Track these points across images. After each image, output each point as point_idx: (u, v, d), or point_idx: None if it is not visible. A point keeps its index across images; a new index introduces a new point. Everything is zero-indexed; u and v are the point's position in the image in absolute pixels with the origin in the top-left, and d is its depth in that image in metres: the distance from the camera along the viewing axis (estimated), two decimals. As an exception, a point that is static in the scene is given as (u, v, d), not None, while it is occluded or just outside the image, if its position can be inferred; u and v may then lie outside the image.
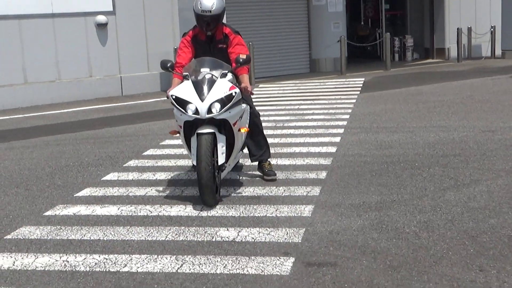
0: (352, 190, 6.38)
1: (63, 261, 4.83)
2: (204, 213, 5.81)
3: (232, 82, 6.21)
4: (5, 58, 14.69)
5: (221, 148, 5.97)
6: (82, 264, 4.75)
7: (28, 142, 10.04)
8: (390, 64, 19.31)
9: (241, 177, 7.04)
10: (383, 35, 22.93)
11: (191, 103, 5.91)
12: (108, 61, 16.04)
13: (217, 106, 5.90)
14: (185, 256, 4.82)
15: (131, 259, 4.81)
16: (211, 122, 5.93)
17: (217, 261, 4.69)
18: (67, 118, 12.68)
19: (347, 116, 10.84)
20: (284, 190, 6.45)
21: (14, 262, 4.84)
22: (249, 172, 7.19)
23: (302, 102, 13.00)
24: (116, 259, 4.82)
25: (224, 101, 5.94)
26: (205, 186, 5.76)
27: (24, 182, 7.39)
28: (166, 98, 5.98)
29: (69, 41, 15.45)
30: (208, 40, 6.57)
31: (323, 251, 4.81)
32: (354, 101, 12.80)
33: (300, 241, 5.03)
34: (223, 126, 6.02)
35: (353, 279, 4.27)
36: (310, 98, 13.60)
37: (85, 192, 6.80)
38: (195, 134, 5.91)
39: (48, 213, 6.10)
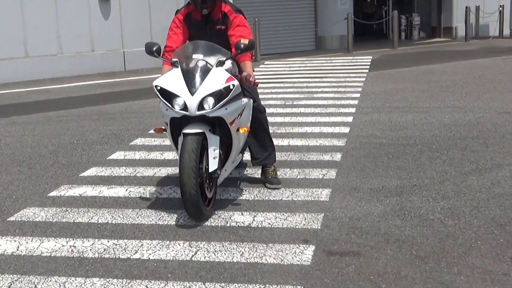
0: (369, 173, 6.11)
1: (70, 246, 4.58)
2: (216, 196, 5.49)
3: (231, 71, 5.14)
4: (6, 30, 14.35)
5: (213, 152, 4.93)
6: (90, 249, 4.50)
7: (29, 117, 9.75)
8: (398, 42, 18.96)
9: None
10: (389, 13, 22.59)
11: (178, 96, 4.87)
12: (111, 36, 15.71)
13: (210, 101, 4.86)
14: (199, 242, 4.57)
15: (141, 245, 4.56)
16: (203, 119, 4.94)
17: (233, 249, 4.43)
18: (69, 93, 12.38)
19: (358, 95, 10.55)
20: (299, 173, 6.19)
21: (18, 247, 4.58)
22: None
23: (310, 79, 12.69)
24: (126, 244, 4.57)
25: (219, 95, 4.89)
26: (189, 199, 4.73)
27: (27, 160, 7.12)
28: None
29: (71, 14, 15.11)
30: (203, 20, 5.53)
31: (344, 238, 4.56)
32: (363, 79, 12.50)
33: (319, 227, 4.77)
34: (218, 124, 5.03)
35: (378, 270, 4.02)
36: (318, 76, 13.30)
37: (91, 171, 6.54)
38: (182, 134, 4.91)
39: (53, 193, 5.84)
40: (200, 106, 4.85)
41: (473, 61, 14.88)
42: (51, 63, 14.94)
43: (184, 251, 4.41)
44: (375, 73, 13.36)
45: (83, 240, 4.68)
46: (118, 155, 7.18)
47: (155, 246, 4.51)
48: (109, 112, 9.99)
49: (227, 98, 4.93)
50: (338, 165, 6.43)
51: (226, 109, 4.96)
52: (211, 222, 4.95)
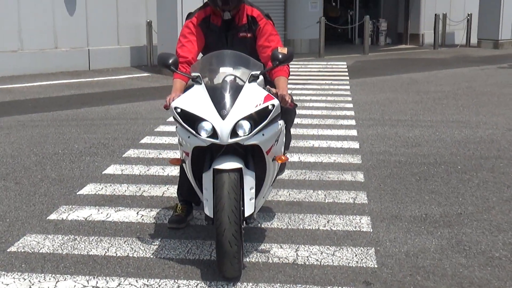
0: (403, 197, 5.58)
1: (93, 287, 3.88)
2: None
3: (264, 88, 4.27)
4: (-36, 23, 13.33)
5: (249, 192, 4.02)
6: (119, 292, 3.81)
7: (-1, 121, 8.88)
8: (368, 48, 18.61)
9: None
10: (355, 17, 22.27)
11: (205, 120, 3.95)
12: (76, 32, 14.77)
13: (246, 125, 3.97)
14: (244, 283, 3.93)
15: (178, 286, 3.90)
16: (234, 149, 4.05)
17: (288, 293, 3.82)
18: (35, 93, 11.47)
19: (351, 105, 10.03)
20: (325, 195, 5.61)
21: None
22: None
23: (293, 86, 12.11)
24: (159, 286, 3.90)
25: (256, 119, 4.01)
26: (228, 252, 3.81)
27: (11, 173, 6.32)
28: (165, 109, 4.28)
29: (34, 8, 14.12)
30: (224, 26, 4.66)
31: (410, 281, 3.99)
32: (348, 87, 12.01)
33: (376, 265, 4.20)
34: (251, 154, 4.12)
35: (467, 324, 3.48)
36: (299, 82, 12.73)
37: (89, 189, 5.81)
38: (211, 169, 4.00)
39: (53, 216, 5.10)
40: (233, 132, 3.95)
41: (453, 71, 14.58)
42: (11, 59, 13.95)
43: (232, 296, 3.77)
44: (358, 81, 12.88)
45: (106, 279, 3.99)
46: (114, 169, 6.45)
47: (195, 289, 3.86)
48: (87, 117, 9.19)
49: (266, 120, 4.02)
50: (365, 187, 5.87)
51: (263, 134, 4.05)
52: (249, 258, 4.32)
